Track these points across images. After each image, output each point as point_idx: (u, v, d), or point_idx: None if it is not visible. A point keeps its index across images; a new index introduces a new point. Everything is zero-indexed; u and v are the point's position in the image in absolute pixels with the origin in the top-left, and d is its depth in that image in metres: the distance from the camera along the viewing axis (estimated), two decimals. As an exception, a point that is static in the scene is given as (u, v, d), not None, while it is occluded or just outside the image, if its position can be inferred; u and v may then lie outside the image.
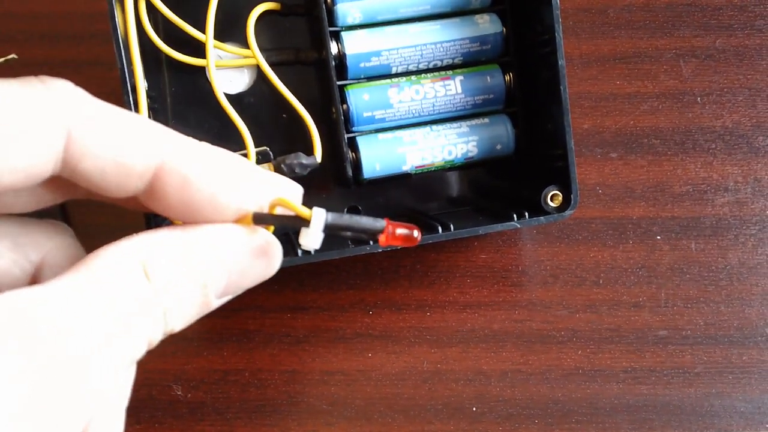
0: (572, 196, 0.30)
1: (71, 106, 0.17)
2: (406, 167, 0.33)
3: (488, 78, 0.33)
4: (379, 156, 0.32)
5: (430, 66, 0.33)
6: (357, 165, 0.32)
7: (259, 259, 0.20)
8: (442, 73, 0.33)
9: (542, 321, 0.35)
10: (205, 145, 0.20)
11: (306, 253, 0.29)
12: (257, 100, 0.34)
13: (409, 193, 0.35)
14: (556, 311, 0.35)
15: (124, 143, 0.18)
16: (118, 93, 0.27)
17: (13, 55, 0.35)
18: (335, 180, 0.34)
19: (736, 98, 0.37)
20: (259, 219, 0.20)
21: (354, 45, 0.32)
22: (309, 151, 0.32)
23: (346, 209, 0.34)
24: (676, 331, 0.35)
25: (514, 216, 0.30)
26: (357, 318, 0.35)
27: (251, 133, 0.31)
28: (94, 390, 0.16)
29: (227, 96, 0.32)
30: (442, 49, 0.33)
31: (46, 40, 0.36)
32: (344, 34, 0.32)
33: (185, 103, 0.33)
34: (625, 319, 0.35)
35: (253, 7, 0.32)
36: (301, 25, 0.34)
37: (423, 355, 0.35)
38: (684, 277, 0.36)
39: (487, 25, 0.33)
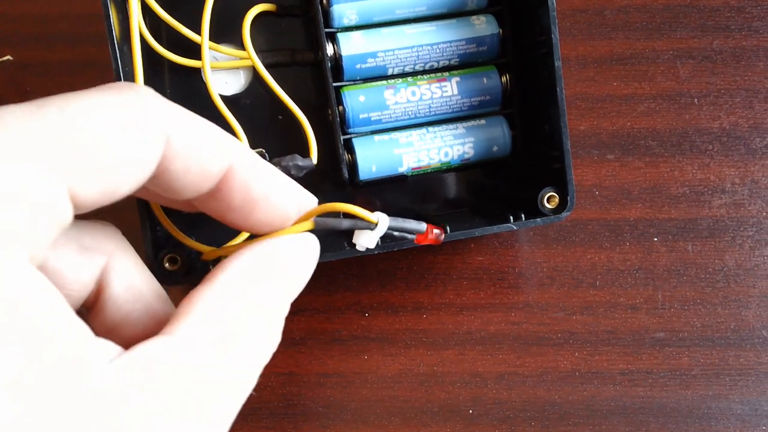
0: (569, 197, 0.30)
1: (166, 111, 0.19)
2: (402, 169, 0.33)
3: (485, 79, 0.33)
4: (375, 157, 0.32)
5: (427, 67, 0.33)
6: (353, 167, 0.32)
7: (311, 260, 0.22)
8: (439, 74, 0.33)
9: (539, 323, 0.35)
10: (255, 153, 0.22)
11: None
12: (253, 102, 0.33)
13: (406, 195, 0.35)
14: (552, 313, 0.35)
15: (208, 145, 0.19)
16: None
17: (8, 57, 0.35)
18: (331, 182, 0.34)
19: (733, 99, 0.37)
20: (321, 223, 0.22)
21: (350, 46, 0.32)
22: (305, 152, 0.31)
23: (342, 212, 0.34)
24: (673, 333, 0.35)
25: (511, 218, 0.30)
26: (353, 320, 0.35)
27: (247, 134, 0.31)
28: (96, 390, 0.16)
29: (223, 97, 0.32)
30: (438, 51, 0.32)
31: (41, 41, 0.36)
32: (340, 36, 0.32)
33: (181, 105, 0.33)
34: (621, 321, 0.35)
35: (249, 9, 0.32)
36: (297, 27, 0.34)
37: (419, 358, 0.35)
38: (681, 278, 0.36)
39: (484, 26, 0.33)
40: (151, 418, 0.16)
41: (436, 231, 0.24)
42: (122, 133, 0.17)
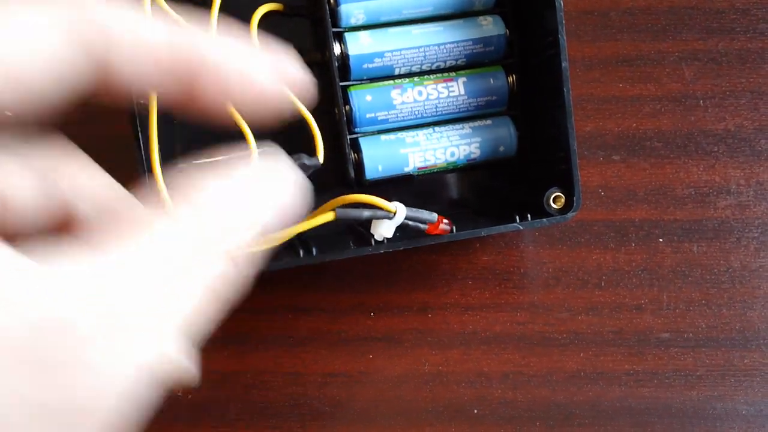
0: (574, 198, 0.30)
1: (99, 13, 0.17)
2: (409, 168, 0.33)
3: (491, 80, 0.33)
4: (382, 157, 0.32)
5: (433, 67, 0.33)
6: (359, 166, 0.32)
7: (294, 195, 0.20)
8: (445, 74, 0.33)
9: (544, 323, 0.35)
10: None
11: (308, 253, 0.29)
12: (260, 101, 0.33)
13: (412, 195, 0.35)
14: (557, 313, 0.35)
15: (147, 31, 0.17)
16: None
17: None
18: (337, 181, 0.34)
19: (738, 101, 0.37)
20: (342, 213, 0.23)
21: (357, 46, 0.32)
22: (311, 151, 0.31)
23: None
24: (678, 334, 0.35)
25: (516, 218, 0.30)
26: (358, 320, 0.35)
27: (253, 133, 0.31)
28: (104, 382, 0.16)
29: (230, 97, 0.32)
30: (445, 51, 0.33)
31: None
32: (347, 35, 0.32)
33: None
34: (627, 321, 0.35)
35: (256, 8, 0.32)
36: (304, 26, 0.34)
37: (424, 358, 0.35)
38: (686, 279, 0.36)
39: (491, 26, 0.33)
40: None
41: (445, 221, 0.27)
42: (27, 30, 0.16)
